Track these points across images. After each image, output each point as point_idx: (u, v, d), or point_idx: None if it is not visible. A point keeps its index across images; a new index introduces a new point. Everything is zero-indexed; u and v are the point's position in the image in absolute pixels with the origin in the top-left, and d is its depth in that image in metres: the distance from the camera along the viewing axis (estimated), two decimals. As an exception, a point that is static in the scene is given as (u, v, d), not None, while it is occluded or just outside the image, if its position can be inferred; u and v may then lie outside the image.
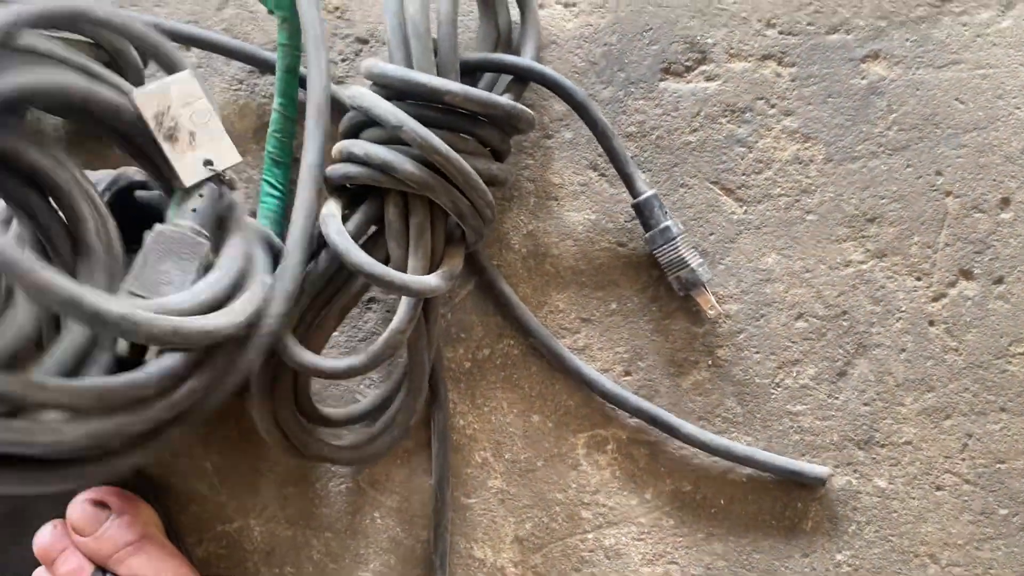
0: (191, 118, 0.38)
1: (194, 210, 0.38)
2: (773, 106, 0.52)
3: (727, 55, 0.52)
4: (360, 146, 0.44)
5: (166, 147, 0.37)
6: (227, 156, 0.39)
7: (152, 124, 0.36)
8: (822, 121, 0.51)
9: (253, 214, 0.50)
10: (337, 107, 0.49)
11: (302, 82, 0.50)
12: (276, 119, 0.50)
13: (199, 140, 0.38)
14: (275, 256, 0.48)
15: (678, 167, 0.52)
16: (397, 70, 0.43)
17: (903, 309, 0.51)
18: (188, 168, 0.38)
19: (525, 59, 0.47)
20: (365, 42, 0.52)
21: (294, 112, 0.50)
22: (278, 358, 0.43)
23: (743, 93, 0.52)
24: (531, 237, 0.52)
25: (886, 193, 0.51)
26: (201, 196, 0.38)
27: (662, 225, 0.49)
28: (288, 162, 0.49)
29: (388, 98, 0.43)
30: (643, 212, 0.49)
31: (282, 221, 0.50)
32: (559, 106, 0.51)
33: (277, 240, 0.48)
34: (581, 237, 0.52)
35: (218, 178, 0.38)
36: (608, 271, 0.51)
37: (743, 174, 0.52)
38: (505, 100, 0.44)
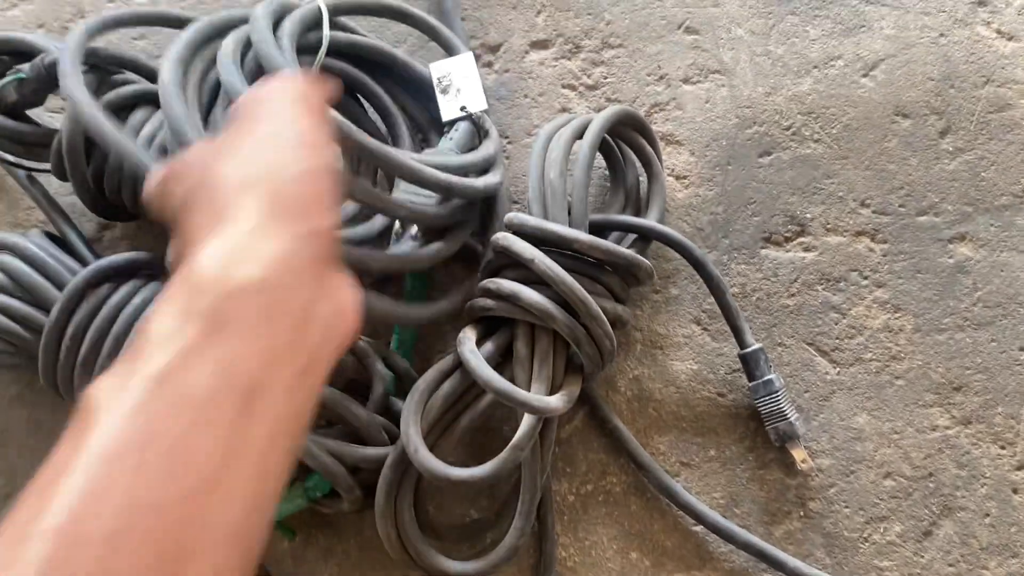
0: (461, 80, 0.56)
1: (451, 139, 0.54)
2: (866, 278, 0.56)
3: (824, 229, 0.57)
4: (495, 282, 0.49)
5: (439, 97, 0.56)
6: (478, 103, 0.55)
7: (435, 82, 0.56)
8: (911, 294, 0.56)
9: (387, 344, 0.55)
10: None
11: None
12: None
13: (462, 94, 0.56)
14: (399, 378, 0.53)
15: (776, 327, 0.56)
16: (534, 220, 0.49)
17: (987, 475, 0.53)
18: (449, 111, 0.56)
19: (648, 221, 0.53)
20: (516, 203, 0.59)
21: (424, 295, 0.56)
22: (405, 464, 0.47)
23: (838, 264, 0.57)
24: (636, 382, 0.56)
25: (971, 364, 0.55)
26: (456, 130, 0.55)
27: (766, 377, 0.52)
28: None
29: (524, 244, 0.49)
30: (748, 363, 0.53)
31: (412, 351, 0.56)
32: (667, 265, 0.57)
33: (404, 362, 0.53)
34: (683, 385, 0.56)
35: (469, 117, 0.55)
36: (708, 419, 0.55)
37: (837, 338, 0.56)
38: (627, 251, 0.49)
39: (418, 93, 0.57)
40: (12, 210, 0.59)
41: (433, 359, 0.57)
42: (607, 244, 0.49)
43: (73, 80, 0.47)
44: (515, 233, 0.50)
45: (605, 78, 0.60)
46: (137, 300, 0.50)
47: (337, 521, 0.54)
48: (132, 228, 0.58)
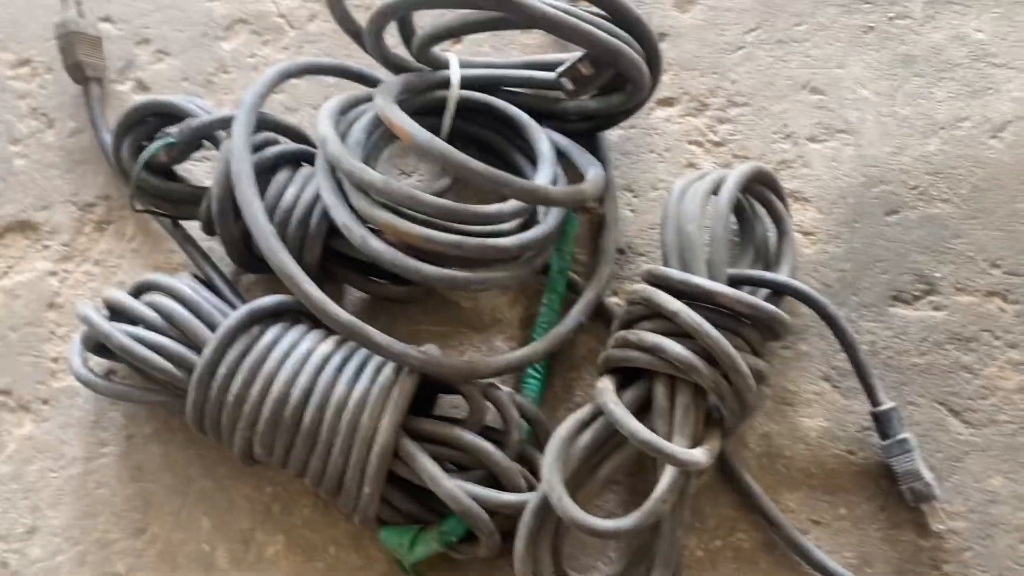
0: None
1: None
2: (998, 338, 0.56)
3: (954, 288, 0.57)
4: (635, 334, 0.50)
5: None
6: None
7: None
8: (1046, 356, 0.55)
9: (516, 391, 0.56)
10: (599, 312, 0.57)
11: (570, 286, 0.58)
12: (544, 312, 0.57)
13: None
14: (531, 424, 0.53)
15: (906, 386, 0.56)
16: (678, 273, 0.50)
17: None
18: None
19: (783, 276, 0.53)
20: (622, 252, 0.60)
21: (559, 307, 0.57)
22: (546, 511, 0.48)
23: (969, 324, 0.56)
24: (766, 438, 0.56)
25: (1110, 430, 0.54)
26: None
27: (900, 436, 0.52)
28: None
29: (664, 296, 0.50)
30: (882, 422, 0.53)
31: (540, 400, 0.56)
32: (796, 320, 0.57)
33: (536, 410, 0.53)
34: (813, 442, 0.55)
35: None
36: (838, 477, 0.55)
37: (969, 398, 0.55)
38: (769, 306, 0.50)
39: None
40: (155, 253, 0.62)
41: (559, 410, 0.57)
42: (751, 298, 0.49)
43: (242, 161, 0.50)
44: (656, 285, 0.50)
45: (731, 135, 0.61)
46: (286, 341, 0.51)
47: (466, 567, 0.54)
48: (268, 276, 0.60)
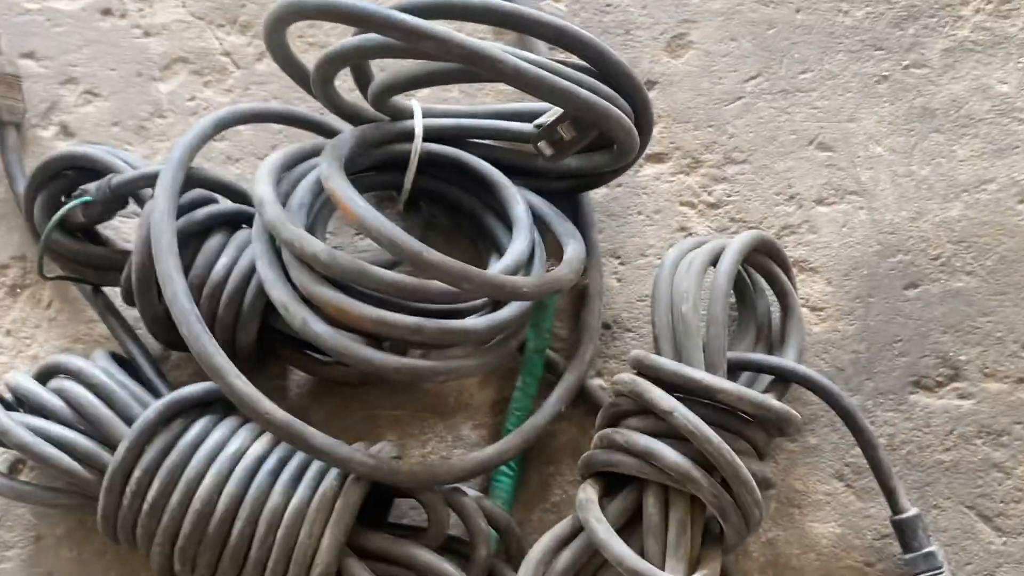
0: None
1: None
2: (1032, 432, 0.49)
3: (982, 374, 0.50)
4: (623, 434, 0.43)
5: None
6: None
7: None
8: (1087, 453, 0.49)
9: (485, 491, 0.49)
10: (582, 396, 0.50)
11: (548, 366, 0.50)
12: (518, 396, 0.50)
13: None
14: (501, 533, 0.46)
15: (930, 487, 0.49)
16: (671, 364, 0.43)
17: None
18: None
19: (790, 362, 0.46)
20: (608, 327, 0.53)
21: (536, 391, 0.50)
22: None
23: (999, 415, 0.50)
24: (770, 546, 0.49)
25: None
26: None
27: (926, 550, 0.45)
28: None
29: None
30: (904, 531, 0.46)
31: (513, 500, 0.49)
32: (804, 410, 0.50)
33: (507, 518, 0.46)
34: (825, 551, 0.48)
35: None
36: (854, 592, 0.48)
37: (1002, 501, 0.48)
38: (779, 404, 0.43)
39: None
40: (74, 322, 0.54)
41: (535, 511, 0.50)
42: (757, 396, 0.42)
43: (163, 230, 0.43)
44: (646, 376, 0.43)
45: (728, 196, 0.54)
46: (212, 439, 0.44)
47: None
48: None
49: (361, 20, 0.39)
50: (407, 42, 0.39)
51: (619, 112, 0.42)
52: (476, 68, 0.40)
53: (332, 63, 0.43)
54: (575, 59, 0.44)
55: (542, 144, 0.46)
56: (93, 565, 0.50)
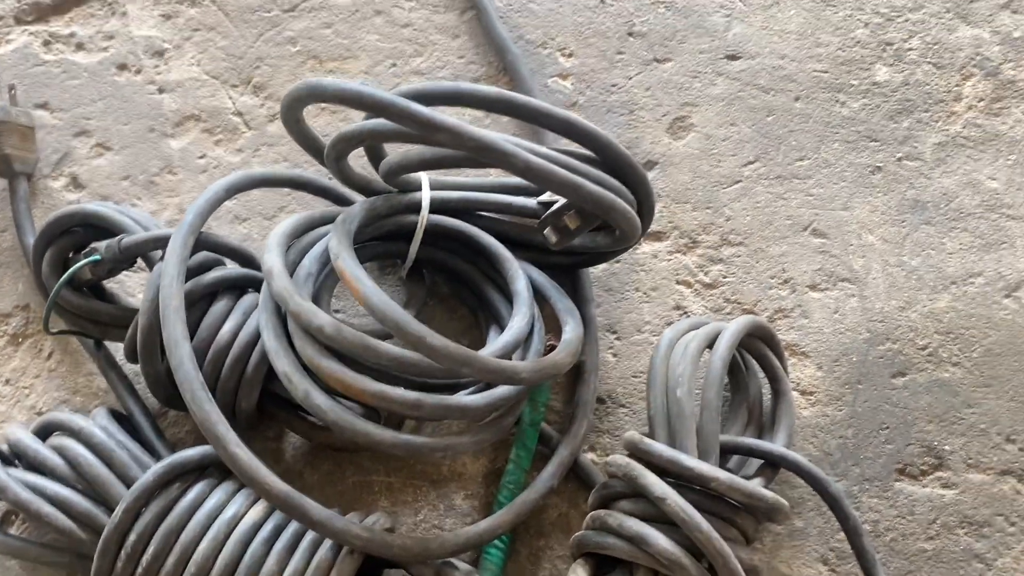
0: None
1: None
2: (1013, 524, 0.50)
3: (965, 464, 0.51)
4: (615, 517, 0.44)
5: None
6: None
7: None
8: (1066, 548, 0.50)
9: (475, 563, 0.49)
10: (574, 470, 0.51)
11: (542, 438, 0.51)
12: (511, 469, 0.51)
13: None
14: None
15: (912, 575, 0.50)
16: (666, 450, 0.44)
17: None
18: None
19: (780, 447, 0.47)
20: (602, 402, 0.54)
21: (529, 464, 0.51)
22: None
23: (981, 506, 0.51)
24: (754, 628, 0.49)
25: None
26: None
27: (907, 641, 0.46)
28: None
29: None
30: (886, 623, 0.46)
31: (502, 574, 0.50)
32: (791, 493, 0.51)
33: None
34: (807, 636, 0.49)
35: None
36: None
37: (981, 592, 0.49)
38: (770, 494, 0.44)
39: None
40: (73, 374, 0.55)
41: (525, 583, 0.51)
42: (749, 486, 0.43)
43: (171, 295, 0.44)
44: (640, 460, 0.44)
45: (724, 277, 0.56)
46: (210, 504, 0.44)
47: None
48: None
49: (378, 109, 0.40)
50: (422, 132, 0.40)
51: (624, 204, 0.44)
52: (487, 160, 0.41)
53: (347, 143, 0.44)
54: (582, 151, 0.45)
55: (548, 231, 0.47)
56: (80, 622, 0.50)
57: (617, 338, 0.55)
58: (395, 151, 0.48)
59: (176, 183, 0.59)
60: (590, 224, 0.46)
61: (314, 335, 0.43)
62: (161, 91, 0.61)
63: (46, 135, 0.60)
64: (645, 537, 0.42)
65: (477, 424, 0.47)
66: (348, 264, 0.43)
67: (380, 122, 0.42)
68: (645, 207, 0.47)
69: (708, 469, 0.43)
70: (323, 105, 0.59)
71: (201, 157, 0.59)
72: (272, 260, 0.45)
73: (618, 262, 0.56)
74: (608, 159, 0.45)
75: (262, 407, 0.49)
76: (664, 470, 0.44)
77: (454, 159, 0.44)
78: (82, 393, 0.54)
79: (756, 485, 0.44)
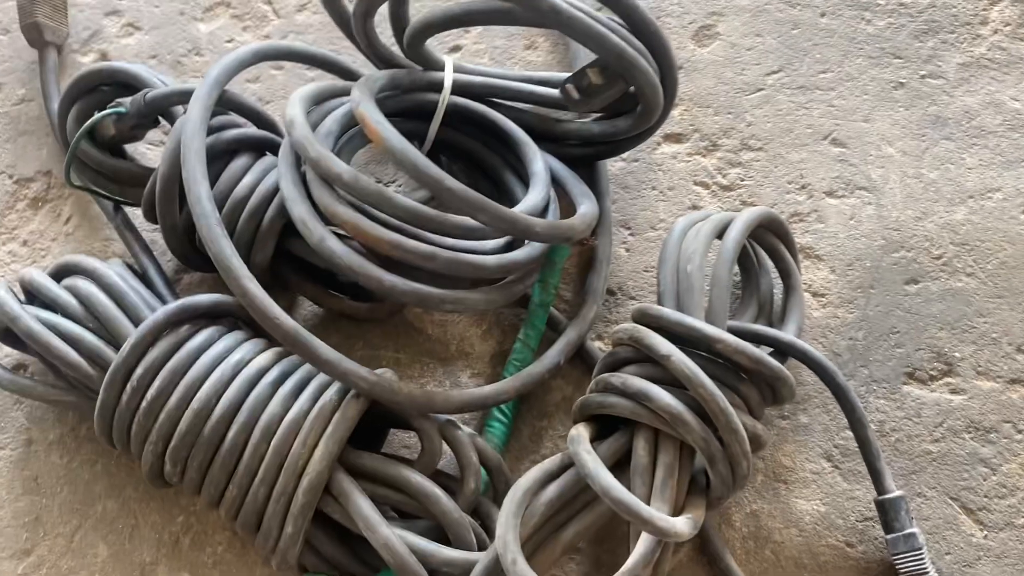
0: None
1: None
2: (1020, 431, 0.50)
3: (975, 371, 0.51)
4: (619, 377, 0.44)
5: None
6: None
7: None
8: (1073, 457, 0.49)
9: (480, 431, 0.49)
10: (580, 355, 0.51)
11: (550, 323, 0.51)
12: (518, 348, 0.51)
13: None
14: (490, 474, 0.46)
15: (916, 475, 0.49)
16: (673, 312, 0.44)
17: None
18: None
19: (788, 335, 0.47)
20: (612, 294, 0.54)
21: (536, 344, 0.51)
22: (496, 574, 0.40)
23: (989, 413, 0.50)
24: (754, 517, 0.49)
25: None
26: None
27: (907, 531, 0.46)
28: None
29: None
30: (887, 512, 0.46)
31: (504, 448, 0.50)
32: (798, 389, 0.51)
33: (497, 458, 0.47)
34: (807, 528, 0.49)
35: None
36: (833, 571, 0.48)
37: (985, 496, 0.49)
38: (774, 361, 0.43)
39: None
40: (90, 238, 0.55)
41: (524, 462, 0.50)
42: (754, 350, 0.43)
43: (193, 137, 0.44)
44: (647, 325, 0.44)
45: (742, 180, 0.56)
46: (218, 347, 0.45)
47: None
48: (213, 276, 0.54)
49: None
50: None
51: (646, 64, 0.44)
52: (517, 5, 0.41)
53: (374, -6, 0.45)
54: (612, 15, 0.46)
55: (569, 86, 0.47)
56: (81, 473, 0.51)
57: (631, 234, 0.55)
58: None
59: (202, 64, 0.59)
60: (613, 84, 0.46)
61: (332, 182, 0.44)
62: (193, -23, 0.61)
63: (78, 12, 0.60)
64: (648, 393, 0.42)
65: (488, 286, 0.47)
66: (369, 108, 0.43)
67: (409, -33, 0.43)
68: (668, 79, 0.47)
69: (714, 331, 0.43)
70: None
71: (229, 41, 0.60)
72: (294, 112, 0.45)
73: (636, 161, 0.56)
74: (635, 25, 0.45)
75: (276, 271, 0.49)
76: (671, 333, 0.43)
77: (480, 13, 0.44)
78: (98, 256, 0.54)
79: (761, 352, 0.43)
